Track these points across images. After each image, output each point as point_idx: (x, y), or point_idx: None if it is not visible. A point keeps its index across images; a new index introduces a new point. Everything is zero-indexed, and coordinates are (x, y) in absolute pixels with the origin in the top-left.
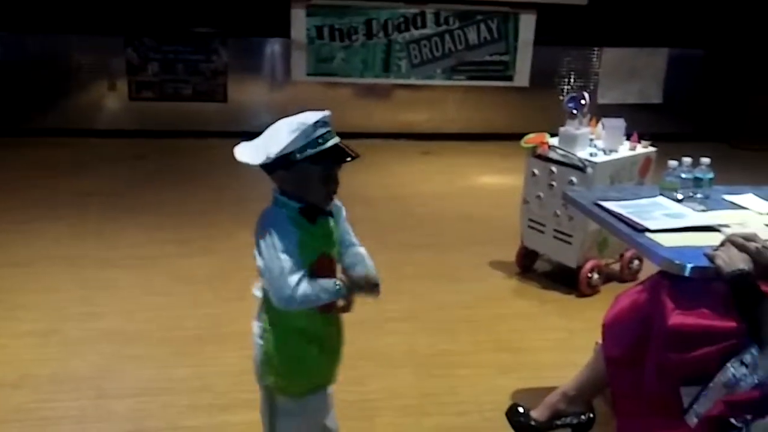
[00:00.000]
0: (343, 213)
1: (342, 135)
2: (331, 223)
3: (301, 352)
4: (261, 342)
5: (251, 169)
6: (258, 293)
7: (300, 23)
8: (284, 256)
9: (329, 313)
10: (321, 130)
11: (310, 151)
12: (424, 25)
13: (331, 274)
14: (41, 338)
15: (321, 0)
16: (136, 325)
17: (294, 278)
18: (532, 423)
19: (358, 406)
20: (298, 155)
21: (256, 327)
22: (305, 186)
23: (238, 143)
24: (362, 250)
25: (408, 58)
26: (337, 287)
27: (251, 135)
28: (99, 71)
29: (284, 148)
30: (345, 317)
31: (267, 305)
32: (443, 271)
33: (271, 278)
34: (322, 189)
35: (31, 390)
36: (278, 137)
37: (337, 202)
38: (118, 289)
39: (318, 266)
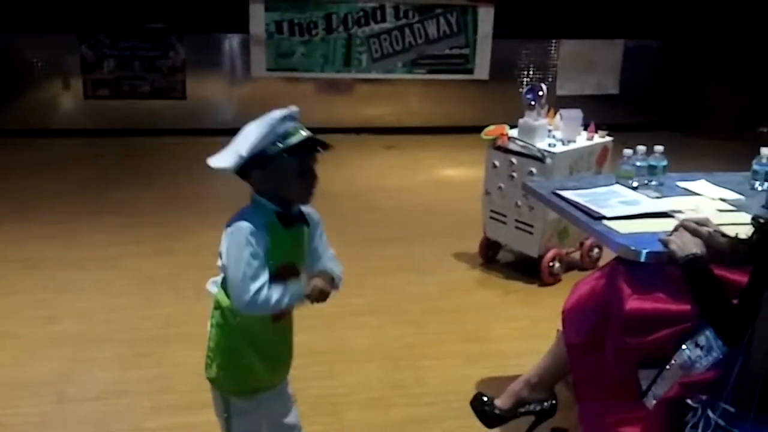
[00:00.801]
0: (321, 226)
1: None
2: (305, 232)
3: (243, 355)
4: (209, 336)
5: (224, 175)
6: (212, 289)
7: (259, 18)
8: (249, 261)
9: (280, 321)
10: (289, 124)
11: (280, 145)
12: (384, 19)
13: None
14: None
15: None
16: (96, 327)
17: (255, 285)
18: (497, 411)
19: (325, 401)
20: (269, 151)
21: (209, 322)
22: (283, 182)
23: (198, 141)
24: (332, 253)
25: (368, 52)
26: (298, 294)
27: (210, 132)
28: (53, 69)
29: (254, 145)
30: (309, 313)
31: (218, 303)
32: (408, 264)
33: (233, 281)
34: (299, 183)
35: None
36: (247, 137)
37: (315, 215)
38: (76, 291)
39: (279, 274)
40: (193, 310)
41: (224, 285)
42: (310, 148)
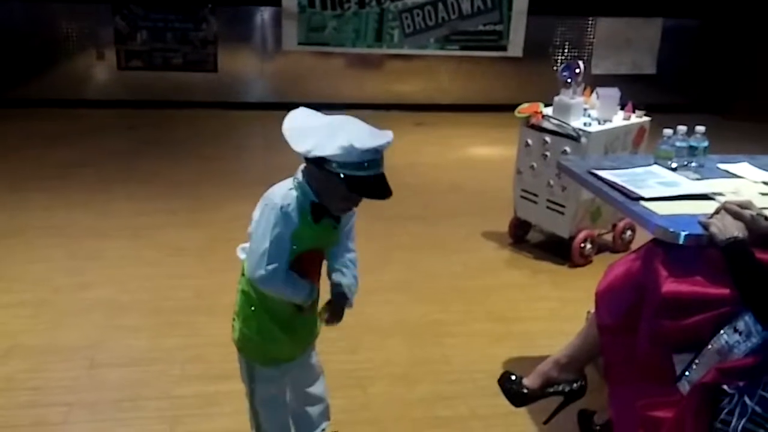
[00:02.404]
0: (353, 219)
1: (334, 106)
2: (334, 227)
3: (264, 326)
4: (237, 300)
5: (255, 148)
6: (241, 255)
7: None
8: (273, 240)
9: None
10: (368, 156)
11: (346, 172)
12: None
13: (314, 268)
14: (31, 309)
15: None
16: (127, 296)
17: (272, 265)
18: (524, 391)
19: (351, 375)
20: (334, 165)
21: (237, 290)
22: (325, 192)
23: (229, 113)
24: (353, 256)
25: (401, 27)
26: (306, 295)
27: (241, 105)
28: (87, 40)
29: (328, 153)
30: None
31: (244, 269)
32: (435, 242)
33: (254, 252)
34: (338, 204)
35: (21, 360)
36: (329, 141)
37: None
38: (108, 260)
39: (305, 257)
40: (223, 281)
41: None
42: (367, 190)
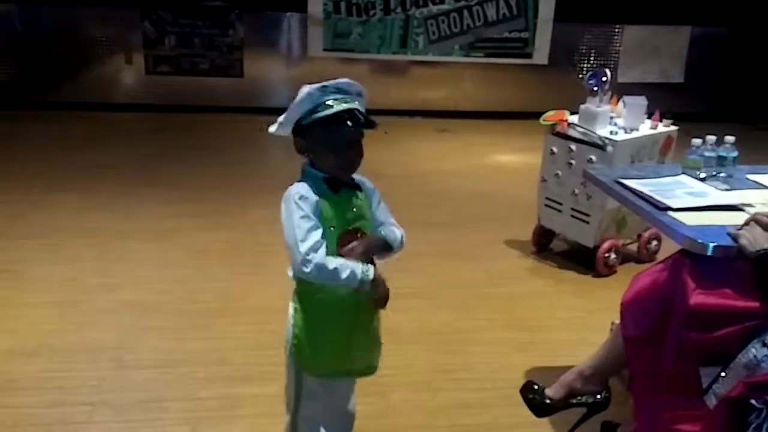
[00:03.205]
0: (377, 195)
1: None
2: (359, 196)
3: (327, 334)
4: (291, 321)
5: (278, 152)
6: (290, 273)
7: None
8: (298, 223)
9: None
10: (331, 96)
11: (314, 116)
12: (442, 1)
13: None
14: (58, 309)
15: None
16: (153, 297)
17: (306, 245)
18: (547, 401)
19: (372, 382)
20: (303, 121)
21: (290, 306)
22: (317, 154)
23: (254, 119)
24: (399, 231)
25: (426, 33)
26: (363, 274)
27: (267, 111)
28: (116, 44)
29: (289, 114)
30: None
31: (297, 285)
32: (458, 249)
33: (289, 247)
34: (332, 157)
35: (48, 359)
36: (293, 106)
37: (368, 184)
38: (134, 261)
39: (344, 240)
40: (248, 284)
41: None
42: (345, 122)
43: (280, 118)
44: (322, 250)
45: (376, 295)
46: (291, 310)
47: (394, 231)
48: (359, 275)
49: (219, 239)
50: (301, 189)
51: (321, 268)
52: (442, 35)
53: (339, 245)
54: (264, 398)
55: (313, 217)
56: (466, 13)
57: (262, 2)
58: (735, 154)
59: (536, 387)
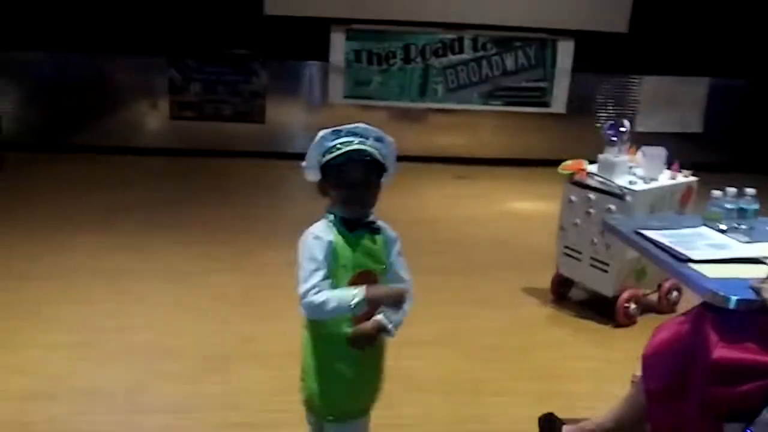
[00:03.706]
0: (398, 245)
1: None
2: (377, 240)
3: (334, 372)
4: (302, 356)
5: (299, 196)
6: (301, 310)
7: (339, 47)
8: (305, 264)
9: (355, 347)
10: (342, 139)
11: (326, 158)
12: (461, 51)
13: None
14: (76, 350)
15: (360, 24)
16: (169, 340)
17: (306, 285)
18: None
19: (389, 430)
20: (318, 163)
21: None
22: (332, 193)
23: (275, 164)
24: (407, 287)
25: (444, 82)
26: (353, 300)
27: (288, 156)
28: (142, 90)
29: (308, 158)
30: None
31: (307, 320)
32: (476, 297)
33: (299, 281)
34: (341, 194)
35: (66, 402)
36: (310, 150)
37: (390, 232)
38: (151, 303)
39: (356, 282)
40: (264, 329)
41: None
42: (352, 161)
43: (303, 163)
44: (318, 289)
45: (356, 331)
46: (303, 352)
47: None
48: (342, 307)
49: (236, 282)
50: (316, 228)
51: (315, 307)
52: (461, 84)
53: (351, 284)
54: None
55: (320, 258)
56: (485, 62)
57: (285, 51)
58: (756, 206)
59: (555, 421)
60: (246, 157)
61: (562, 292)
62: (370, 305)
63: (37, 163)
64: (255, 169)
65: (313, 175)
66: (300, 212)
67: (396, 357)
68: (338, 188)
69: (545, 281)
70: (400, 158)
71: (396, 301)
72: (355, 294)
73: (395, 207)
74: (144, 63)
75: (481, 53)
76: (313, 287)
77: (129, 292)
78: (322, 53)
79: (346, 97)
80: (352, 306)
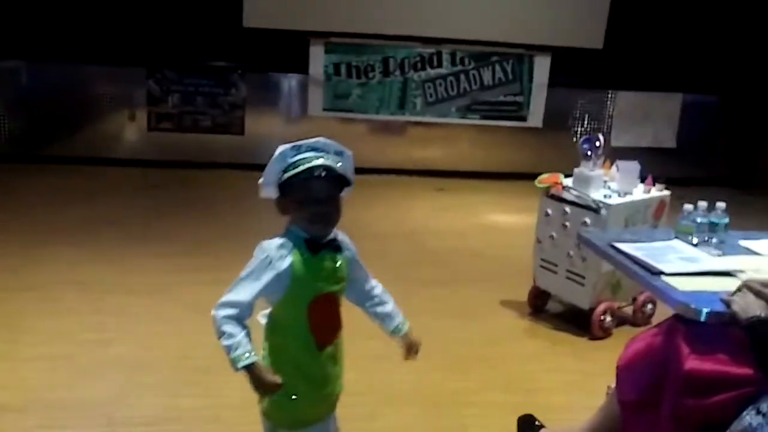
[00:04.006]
0: (352, 250)
1: (356, 170)
2: (339, 260)
3: (290, 384)
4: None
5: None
6: (262, 320)
7: (318, 60)
8: (246, 277)
9: (326, 348)
10: (303, 155)
11: (286, 175)
12: (440, 65)
13: (331, 318)
14: (51, 362)
15: (339, 38)
16: (147, 353)
17: (224, 297)
18: None
19: None
20: (279, 180)
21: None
22: (293, 212)
23: (254, 175)
24: (380, 287)
25: (423, 96)
26: (239, 363)
27: (266, 167)
28: (120, 101)
29: (266, 174)
30: (352, 353)
31: (267, 332)
32: (454, 308)
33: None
34: (304, 212)
35: (38, 416)
36: (269, 167)
37: (352, 247)
38: (129, 316)
39: (317, 308)
40: None
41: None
42: (314, 177)
43: (260, 180)
44: (235, 311)
45: (254, 384)
46: (261, 360)
47: (393, 307)
48: (231, 355)
49: (216, 294)
50: (275, 249)
51: (214, 318)
52: (439, 98)
53: (309, 308)
54: None
55: (260, 284)
56: (462, 76)
57: (264, 63)
58: (726, 220)
59: (535, 424)
60: (225, 169)
61: (539, 305)
62: (251, 378)
63: (11, 173)
64: (234, 181)
65: (271, 192)
66: (280, 223)
67: (374, 370)
68: (301, 205)
69: (522, 293)
70: (381, 171)
71: (264, 391)
72: (246, 358)
73: (376, 219)
74: (122, 73)
75: (459, 67)
76: (232, 306)
77: (108, 305)
78: (301, 66)
79: (325, 109)
80: (236, 366)
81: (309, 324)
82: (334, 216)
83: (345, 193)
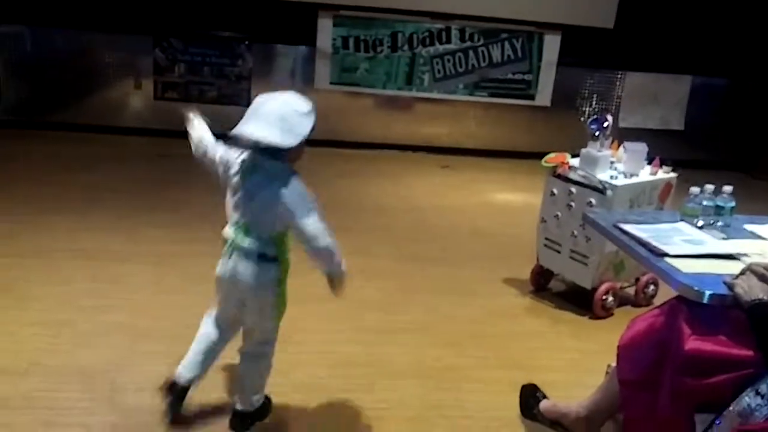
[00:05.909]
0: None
1: (362, 145)
2: None
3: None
4: (273, 269)
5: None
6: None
7: (326, 33)
8: (317, 214)
9: None
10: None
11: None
12: (448, 41)
13: None
14: (52, 329)
15: (348, 11)
16: (148, 321)
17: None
18: (535, 411)
19: (365, 414)
20: (309, 132)
21: (258, 263)
22: (296, 159)
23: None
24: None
25: (431, 72)
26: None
27: None
28: (126, 70)
29: (299, 126)
30: (352, 326)
31: (283, 249)
32: (456, 285)
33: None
34: (298, 158)
35: (40, 379)
36: (302, 120)
37: None
38: (130, 285)
39: None
40: None
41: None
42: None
43: (302, 132)
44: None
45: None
46: (264, 263)
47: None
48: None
49: (215, 265)
50: (302, 185)
51: (334, 246)
52: (447, 74)
53: None
54: (258, 426)
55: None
56: (471, 53)
57: (271, 35)
58: (732, 204)
59: (537, 395)
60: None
61: (541, 283)
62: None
63: (16, 140)
64: None
65: (294, 141)
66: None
67: (373, 343)
68: (302, 152)
69: (525, 272)
70: (387, 146)
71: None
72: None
73: (380, 194)
74: (129, 41)
75: (468, 44)
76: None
77: (108, 273)
78: (309, 38)
79: (332, 83)
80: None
81: None
82: None
83: None
